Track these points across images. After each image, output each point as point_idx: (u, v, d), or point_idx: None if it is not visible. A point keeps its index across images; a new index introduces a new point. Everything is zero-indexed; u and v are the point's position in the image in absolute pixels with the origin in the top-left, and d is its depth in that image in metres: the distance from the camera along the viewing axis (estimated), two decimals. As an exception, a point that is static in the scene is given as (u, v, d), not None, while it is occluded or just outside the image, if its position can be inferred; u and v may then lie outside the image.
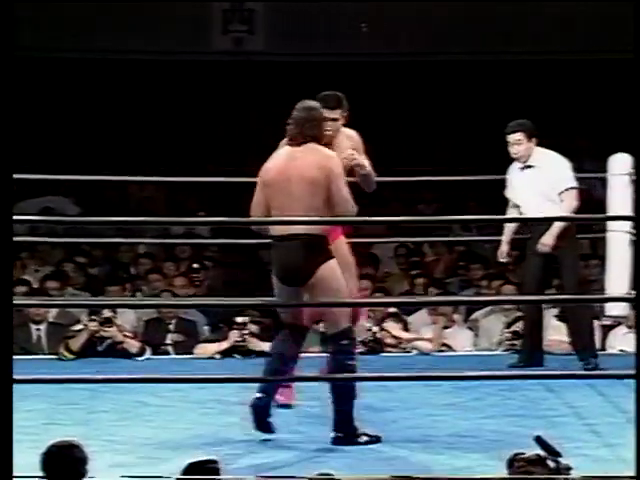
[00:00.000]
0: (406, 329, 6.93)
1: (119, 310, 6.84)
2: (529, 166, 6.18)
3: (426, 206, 9.59)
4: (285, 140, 5.00)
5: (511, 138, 6.16)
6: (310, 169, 4.83)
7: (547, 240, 6.08)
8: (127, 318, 7.06)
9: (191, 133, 10.54)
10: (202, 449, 4.46)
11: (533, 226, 6.21)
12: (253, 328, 6.64)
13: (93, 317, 6.59)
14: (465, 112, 10.55)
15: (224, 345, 6.56)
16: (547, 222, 6.13)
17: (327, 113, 5.19)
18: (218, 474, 3.44)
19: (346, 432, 4.81)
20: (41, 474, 3.48)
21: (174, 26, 10.27)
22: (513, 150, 6.17)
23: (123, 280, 7.56)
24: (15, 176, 8.37)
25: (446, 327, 7.09)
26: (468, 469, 4.36)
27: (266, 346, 6.63)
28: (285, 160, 4.90)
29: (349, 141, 5.37)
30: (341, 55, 10.42)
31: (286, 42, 10.38)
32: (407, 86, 10.59)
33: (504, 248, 6.30)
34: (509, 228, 6.30)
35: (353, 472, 4.26)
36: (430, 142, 10.59)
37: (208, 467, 3.43)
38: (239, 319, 6.56)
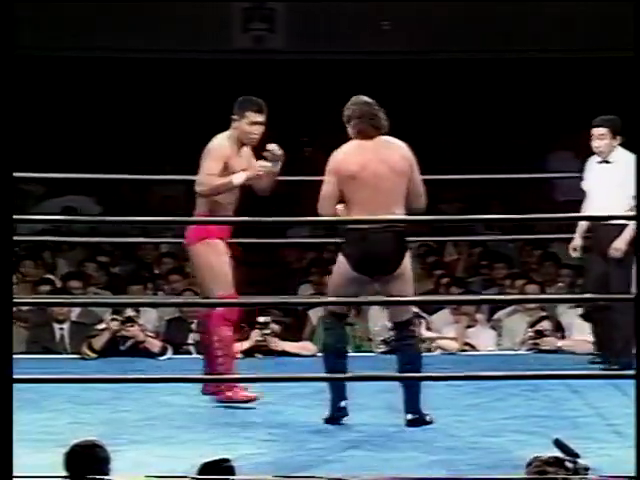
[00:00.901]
0: (428, 328, 6.94)
1: (141, 309, 6.88)
2: (607, 162, 6.15)
3: (448, 205, 9.58)
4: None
5: (595, 132, 6.12)
6: (398, 161, 4.98)
7: (619, 245, 6.03)
8: (149, 317, 7.09)
9: (211, 131, 10.57)
10: (222, 448, 4.48)
11: (597, 225, 6.14)
12: (275, 328, 6.67)
13: (115, 316, 6.63)
14: (489, 110, 10.54)
15: (246, 345, 6.58)
16: (611, 221, 6.04)
17: (256, 117, 5.36)
18: (233, 473, 3.47)
19: (419, 414, 4.96)
20: (65, 473, 3.50)
21: (194, 24, 10.30)
22: (595, 144, 6.14)
23: (145, 279, 7.60)
24: (37, 175, 8.47)
25: (469, 327, 7.10)
26: (490, 469, 4.37)
27: (288, 346, 6.68)
28: (367, 153, 4.98)
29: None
30: (362, 53, 10.43)
31: (306, 41, 10.40)
32: (429, 84, 10.59)
33: (577, 242, 6.24)
34: (583, 222, 6.23)
35: (375, 472, 4.28)
36: (452, 140, 10.58)
37: (223, 466, 3.46)
38: (261, 319, 6.59)
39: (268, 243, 7.07)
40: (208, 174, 5.31)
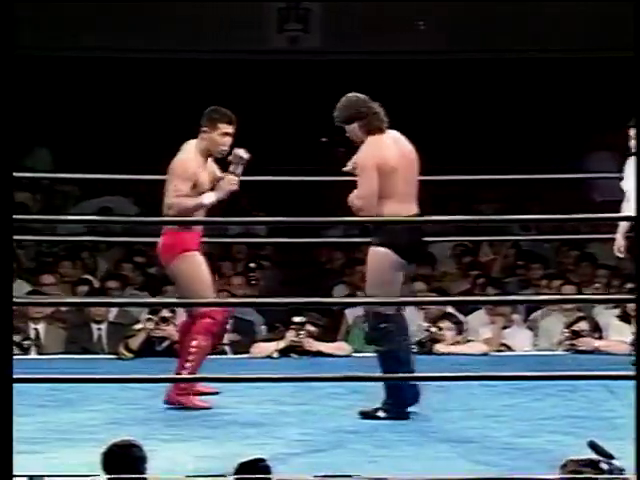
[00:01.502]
0: (460, 330, 6.92)
1: (178, 310, 6.91)
2: None
3: (487, 205, 9.56)
4: None
5: (631, 132, 6.12)
6: (412, 152, 5.15)
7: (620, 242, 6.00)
8: (183, 317, 7.11)
9: (245, 132, 10.59)
10: (257, 448, 4.50)
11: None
12: (311, 328, 6.68)
13: (151, 317, 6.67)
14: (528, 110, 10.50)
15: (281, 345, 6.60)
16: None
17: (227, 128, 5.34)
18: (269, 473, 3.48)
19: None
20: (102, 473, 3.54)
21: (229, 25, 10.34)
22: (631, 144, 6.13)
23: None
24: (74, 176, 8.52)
25: (505, 327, 7.08)
26: (525, 469, 4.36)
27: (323, 346, 6.69)
28: (397, 147, 5.10)
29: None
30: (398, 53, 10.41)
31: (342, 41, 10.40)
32: (467, 83, 10.56)
33: (620, 243, 6.21)
34: (624, 222, 6.19)
35: (408, 471, 4.29)
36: (490, 140, 10.55)
37: (259, 466, 3.47)
38: (296, 319, 6.60)
39: (302, 243, 7.07)
40: (177, 195, 5.29)
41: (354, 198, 5.07)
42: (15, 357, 6.76)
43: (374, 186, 5.00)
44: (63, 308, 7.35)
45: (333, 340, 6.94)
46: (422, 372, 5.29)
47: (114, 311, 7.11)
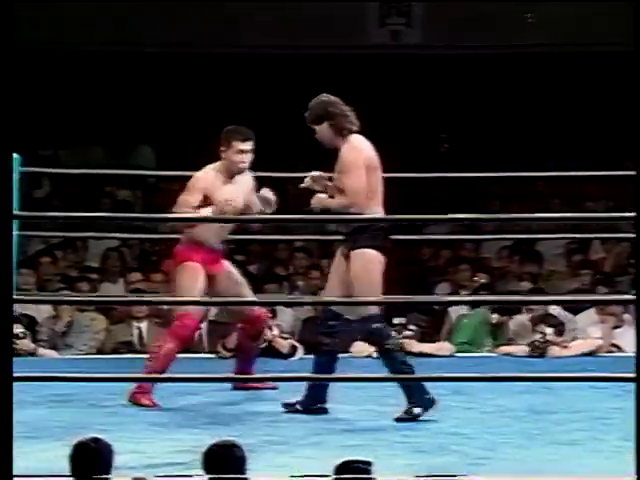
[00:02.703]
0: (560, 332, 6.80)
1: (278, 309, 6.92)
2: None
3: (594, 203, 9.39)
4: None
5: None
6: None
7: None
8: (285, 317, 7.13)
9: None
10: (356, 450, 4.47)
11: None
12: (411, 332, 6.63)
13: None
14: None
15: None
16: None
17: (242, 145, 5.52)
18: (369, 473, 3.44)
19: None
20: (202, 473, 3.54)
21: (329, 20, 10.32)
22: None
23: (280, 278, 7.64)
24: (174, 174, 8.60)
25: (616, 327, 6.94)
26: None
27: (425, 347, 6.64)
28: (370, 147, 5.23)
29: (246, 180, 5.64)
30: (504, 47, 10.29)
31: (446, 35, 10.31)
32: (577, 77, 10.39)
33: None
34: None
35: (512, 473, 4.22)
36: (595, 134, 10.37)
37: (359, 467, 3.44)
38: (396, 320, 6.55)
39: (404, 240, 7.01)
40: (183, 206, 5.51)
41: (346, 193, 5.11)
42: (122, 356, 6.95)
43: (364, 183, 5.09)
44: (165, 307, 7.42)
45: (435, 340, 6.88)
46: (529, 373, 5.20)
47: (214, 310, 7.16)
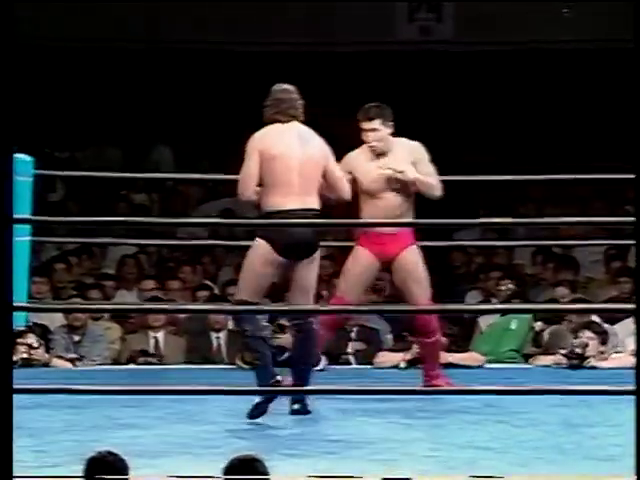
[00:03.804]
0: (604, 340, 6.77)
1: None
2: None
3: (633, 207, 9.34)
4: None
5: None
6: (320, 150, 5.42)
7: None
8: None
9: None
10: (383, 464, 4.47)
11: None
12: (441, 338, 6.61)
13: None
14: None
15: (407, 356, 6.55)
16: None
17: (365, 125, 5.80)
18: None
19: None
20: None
21: (355, 13, 10.33)
22: None
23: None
24: (193, 177, 8.61)
25: (655, 338, 6.90)
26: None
27: (453, 357, 6.63)
28: (291, 138, 5.41)
29: (407, 153, 5.84)
30: (538, 42, 10.26)
31: (476, 30, 10.30)
32: (613, 73, 10.35)
33: None
34: None
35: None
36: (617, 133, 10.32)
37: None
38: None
39: (435, 246, 7.00)
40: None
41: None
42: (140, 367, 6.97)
43: (250, 172, 5.30)
44: (182, 315, 7.44)
45: (465, 350, 6.87)
46: (566, 385, 5.18)
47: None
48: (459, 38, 10.35)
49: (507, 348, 7.11)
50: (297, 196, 5.29)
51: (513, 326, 7.19)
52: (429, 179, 5.84)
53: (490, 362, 6.75)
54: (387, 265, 5.94)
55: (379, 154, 5.84)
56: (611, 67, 10.36)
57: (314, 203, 5.33)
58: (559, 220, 6.01)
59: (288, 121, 5.40)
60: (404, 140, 5.92)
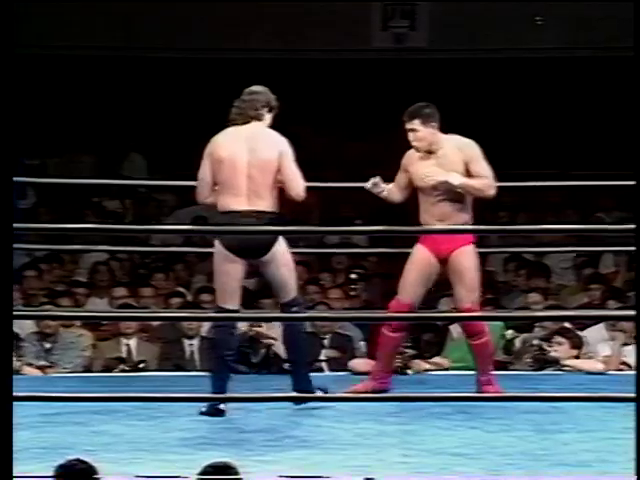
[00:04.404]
0: (578, 346, 6.81)
1: (276, 324, 6.94)
2: None
3: (606, 214, 9.41)
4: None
5: None
6: (270, 154, 5.52)
7: None
8: (280, 332, 7.14)
9: (358, 132, 10.59)
10: (357, 470, 4.48)
11: None
12: (409, 352, 6.65)
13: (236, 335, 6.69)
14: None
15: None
16: None
17: (406, 124, 5.85)
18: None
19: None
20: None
21: (333, 22, 10.36)
22: None
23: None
24: (170, 184, 8.59)
25: (625, 344, 6.95)
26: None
27: (424, 364, 6.65)
28: (239, 141, 5.50)
29: (459, 151, 5.81)
30: (512, 50, 10.31)
31: (451, 38, 10.34)
32: (588, 82, 10.40)
33: None
34: None
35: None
36: (608, 144, 10.38)
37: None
38: None
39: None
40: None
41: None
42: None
43: (203, 174, 5.50)
44: (155, 323, 7.44)
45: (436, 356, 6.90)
46: (533, 391, 5.19)
47: (206, 325, 7.18)
48: (434, 46, 10.38)
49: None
50: (245, 197, 5.42)
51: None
52: (477, 182, 5.77)
53: (461, 369, 6.76)
54: (444, 263, 5.90)
55: (428, 152, 5.84)
56: (585, 75, 10.43)
57: (263, 205, 5.43)
58: (532, 227, 6.05)
59: (245, 122, 5.49)
60: (456, 137, 5.89)
